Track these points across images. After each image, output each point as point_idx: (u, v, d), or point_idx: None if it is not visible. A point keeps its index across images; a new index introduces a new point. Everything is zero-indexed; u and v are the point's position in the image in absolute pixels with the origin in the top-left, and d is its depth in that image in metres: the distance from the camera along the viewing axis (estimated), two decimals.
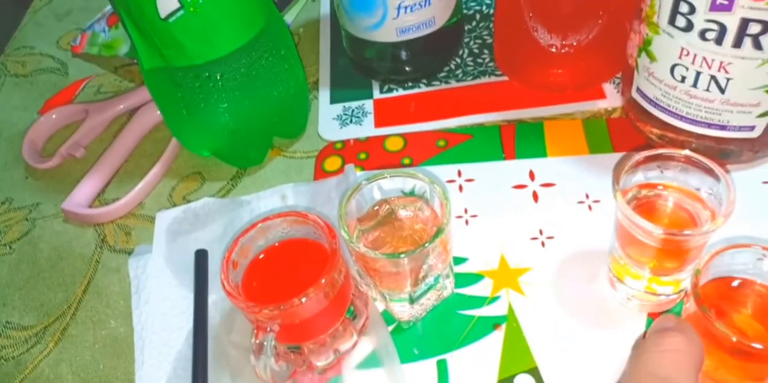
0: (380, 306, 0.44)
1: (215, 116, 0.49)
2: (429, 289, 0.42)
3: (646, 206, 0.39)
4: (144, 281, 0.48)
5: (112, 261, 0.51)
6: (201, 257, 0.48)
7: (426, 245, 0.37)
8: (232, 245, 0.39)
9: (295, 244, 0.42)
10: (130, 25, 0.45)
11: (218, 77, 0.47)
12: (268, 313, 0.36)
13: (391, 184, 0.41)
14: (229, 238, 0.49)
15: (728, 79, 0.41)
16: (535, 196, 0.49)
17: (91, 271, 0.51)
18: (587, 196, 0.48)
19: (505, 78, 0.57)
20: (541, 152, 0.51)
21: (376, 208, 0.42)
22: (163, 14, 0.43)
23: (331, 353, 0.42)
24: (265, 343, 0.37)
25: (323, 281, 0.37)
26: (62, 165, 0.58)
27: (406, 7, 0.51)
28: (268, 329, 0.37)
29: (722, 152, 0.47)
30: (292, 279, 0.40)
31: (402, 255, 0.37)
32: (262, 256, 0.41)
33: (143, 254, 0.50)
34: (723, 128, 0.44)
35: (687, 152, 0.37)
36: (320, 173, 0.53)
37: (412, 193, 0.41)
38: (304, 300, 0.36)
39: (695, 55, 0.41)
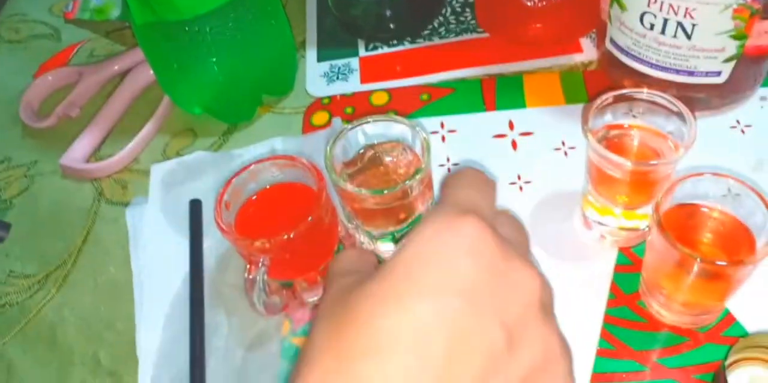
0: (368, 249, 0.47)
1: (205, 69, 0.51)
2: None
3: (615, 146, 0.42)
4: (141, 229, 0.50)
5: (109, 213, 0.53)
6: (195, 206, 0.50)
7: (406, 182, 0.39)
8: (225, 186, 0.41)
9: (285, 187, 0.44)
10: None
11: (207, 31, 0.49)
12: (260, 246, 0.39)
13: (374, 129, 0.43)
14: None
15: (694, 26, 0.43)
16: (514, 144, 0.51)
17: (90, 222, 0.53)
18: (563, 143, 0.50)
19: (487, 35, 0.59)
20: (520, 104, 0.53)
21: (361, 152, 0.44)
22: None
23: (322, 290, 0.44)
24: (258, 277, 0.40)
25: (310, 218, 0.39)
26: (58, 125, 0.60)
27: None
28: (260, 263, 0.40)
29: (693, 100, 0.49)
30: (282, 219, 0.42)
31: (384, 191, 0.39)
32: (254, 197, 0.43)
33: (140, 205, 0.52)
34: (691, 74, 0.47)
35: (647, 90, 0.39)
36: (308, 127, 0.55)
37: (395, 138, 0.43)
38: (293, 234, 0.39)
39: (662, 3, 0.43)
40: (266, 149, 0.54)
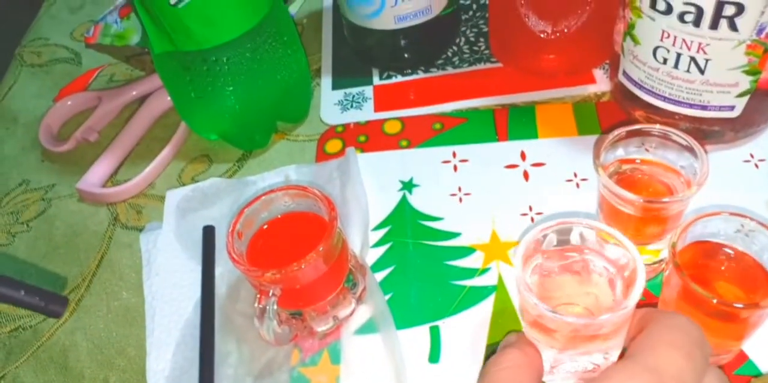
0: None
1: (222, 98, 0.52)
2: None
3: (627, 180, 0.42)
4: (155, 254, 0.51)
5: (124, 238, 0.54)
6: (209, 232, 0.51)
7: (602, 317, 0.30)
8: (237, 216, 0.42)
9: (297, 217, 0.44)
10: (141, 11, 0.48)
11: (224, 61, 0.50)
12: (270, 277, 0.39)
13: (594, 235, 0.35)
14: None
15: (707, 60, 0.43)
16: (526, 175, 0.51)
17: (104, 247, 0.54)
18: (575, 175, 0.50)
19: (500, 65, 0.59)
20: (533, 134, 0.53)
21: (568, 252, 0.36)
22: (172, 0, 0.45)
23: (331, 319, 0.44)
24: (268, 307, 0.40)
25: (321, 248, 0.39)
26: (77, 149, 0.61)
27: None
28: (271, 293, 0.40)
29: (706, 133, 0.49)
30: (293, 249, 0.42)
31: (571, 320, 0.31)
32: (265, 227, 0.44)
33: (154, 230, 0.52)
34: (704, 108, 0.47)
35: (660, 126, 0.39)
36: (322, 156, 0.56)
37: (608, 256, 0.35)
38: (303, 265, 0.39)
39: (675, 37, 0.43)
40: (280, 177, 0.54)
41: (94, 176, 0.57)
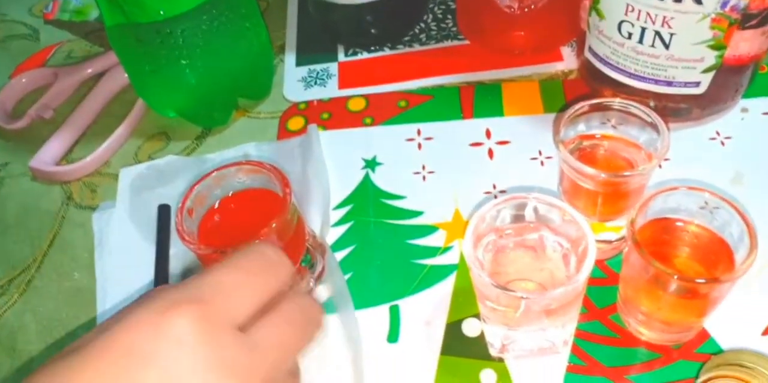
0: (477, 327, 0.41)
1: (177, 72, 0.50)
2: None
3: (587, 156, 0.41)
4: (107, 234, 0.49)
5: (77, 217, 0.52)
6: (164, 211, 0.49)
7: (549, 296, 0.31)
8: (188, 193, 0.40)
9: (252, 194, 0.43)
10: None
11: (179, 34, 0.48)
12: (220, 255, 0.37)
13: (547, 210, 0.35)
14: None
15: (671, 35, 0.43)
16: (491, 153, 0.50)
17: (57, 226, 0.52)
18: (540, 152, 0.49)
19: (467, 42, 0.58)
20: (498, 112, 0.52)
21: (522, 227, 0.36)
22: None
23: None
24: None
25: (274, 224, 0.38)
26: (31, 126, 0.59)
27: None
28: None
29: (672, 111, 0.48)
30: (247, 226, 0.41)
31: (523, 296, 0.31)
32: (218, 205, 0.42)
33: (107, 209, 0.51)
34: (669, 84, 0.46)
35: (620, 100, 0.38)
36: (284, 133, 0.54)
37: (571, 234, 0.35)
38: (256, 242, 0.37)
39: (639, 11, 0.42)
40: (239, 154, 0.53)
41: (48, 154, 0.55)
